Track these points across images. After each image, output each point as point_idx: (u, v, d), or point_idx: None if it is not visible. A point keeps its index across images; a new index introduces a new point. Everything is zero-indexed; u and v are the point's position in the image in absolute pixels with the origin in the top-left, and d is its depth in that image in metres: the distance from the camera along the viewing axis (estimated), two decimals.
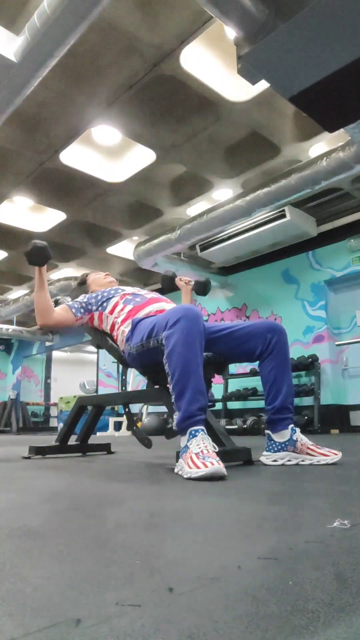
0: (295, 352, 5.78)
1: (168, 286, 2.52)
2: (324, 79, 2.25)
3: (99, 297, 2.20)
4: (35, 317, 2.12)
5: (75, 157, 4.42)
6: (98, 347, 2.31)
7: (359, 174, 4.10)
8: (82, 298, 2.25)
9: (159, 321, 1.72)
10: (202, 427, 1.47)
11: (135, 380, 6.44)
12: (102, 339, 2.21)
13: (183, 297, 2.48)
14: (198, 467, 1.30)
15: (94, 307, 2.19)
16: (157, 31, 2.99)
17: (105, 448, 2.59)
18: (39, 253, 2.01)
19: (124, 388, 2.34)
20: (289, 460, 1.70)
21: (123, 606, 0.41)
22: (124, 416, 4.71)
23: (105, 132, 4.12)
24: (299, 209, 5.45)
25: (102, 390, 8.86)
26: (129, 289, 2.22)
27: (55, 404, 10.11)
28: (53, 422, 11.13)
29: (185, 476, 1.34)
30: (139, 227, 5.93)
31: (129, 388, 3.26)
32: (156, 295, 2.18)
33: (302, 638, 0.35)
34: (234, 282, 7.05)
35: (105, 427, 7.09)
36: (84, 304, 2.20)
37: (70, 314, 2.15)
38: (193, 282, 2.49)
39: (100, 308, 2.18)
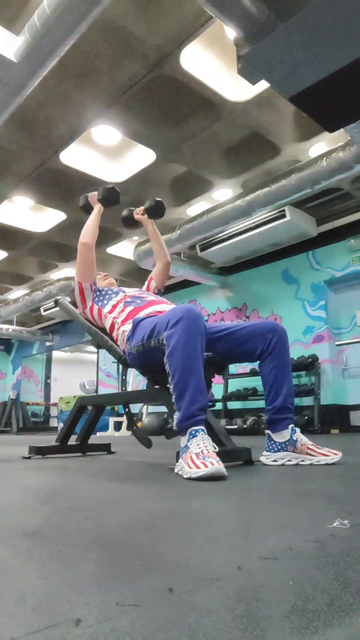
0: (295, 352, 5.78)
1: (129, 225, 2.54)
2: (323, 79, 2.25)
3: (102, 292, 2.23)
4: (82, 235, 2.25)
5: (75, 157, 4.42)
6: (98, 347, 2.30)
7: (359, 174, 4.10)
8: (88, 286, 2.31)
9: (159, 321, 1.72)
10: (202, 427, 1.47)
11: (135, 380, 6.44)
12: (102, 339, 2.21)
13: (146, 228, 2.53)
14: (198, 467, 1.30)
15: (96, 299, 2.21)
16: (157, 31, 2.99)
17: (105, 448, 2.59)
18: (113, 197, 2.28)
19: (124, 388, 2.34)
20: (289, 460, 1.70)
21: (123, 606, 0.41)
22: (124, 416, 4.71)
23: (105, 132, 4.12)
24: (299, 209, 5.45)
25: (102, 390, 8.86)
26: (129, 291, 2.23)
27: (55, 404, 10.11)
28: (53, 422, 11.12)
29: (185, 476, 1.34)
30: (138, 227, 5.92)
31: (129, 388, 3.26)
32: (157, 297, 2.19)
33: (302, 638, 0.35)
34: (234, 282, 7.05)
35: (105, 427, 7.09)
36: (91, 292, 2.27)
37: (94, 273, 2.28)
38: (144, 208, 2.49)
39: (100, 304, 2.18)
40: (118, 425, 7.12)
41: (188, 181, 4.88)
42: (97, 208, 2.33)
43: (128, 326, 1.97)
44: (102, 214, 2.34)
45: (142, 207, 2.52)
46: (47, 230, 5.82)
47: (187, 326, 1.55)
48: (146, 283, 2.49)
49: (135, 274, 7.67)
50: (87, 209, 2.37)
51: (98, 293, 2.23)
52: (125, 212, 2.52)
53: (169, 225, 5.57)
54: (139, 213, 2.51)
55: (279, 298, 6.37)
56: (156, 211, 2.47)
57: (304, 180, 4.11)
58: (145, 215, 2.49)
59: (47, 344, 10.78)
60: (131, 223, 2.51)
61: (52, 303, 7.63)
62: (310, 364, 5.63)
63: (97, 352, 9.01)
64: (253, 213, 4.66)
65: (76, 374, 10.93)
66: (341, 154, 3.82)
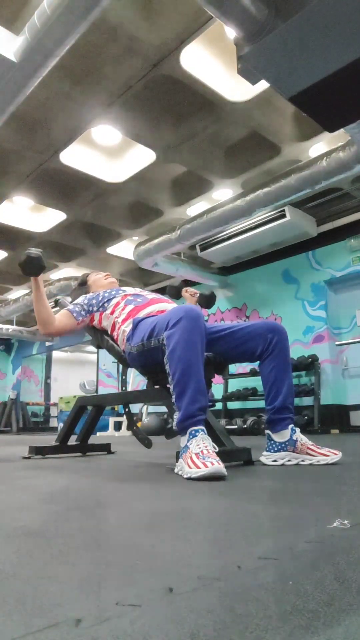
0: (295, 352, 5.78)
1: (174, 295, 2.53)
2: (324, 79, 2.25)
3: (100, 297, 2.20)
4: (38, 327, 2.12)
5: (75, 157, 4.42)
6: (98, 347, 2.31)
7: (359, 174, 4.10)
8: (82, 300, 2.24)
9: (160, 321, 1.72)
10: (202, 427, 1.47)
11: (135, 380, 6.44)
12: (102, 339, 2.21)
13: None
14: (198, 467, 1.30)
15: (95, 308, 2.19)
16: (157, 31, 2.99)
17: (105, 448, 2.59)
18: (34, 263, 1.96)
19: (124, 388, 2.34)
20: (289, 460, 1.70)
21: (123, 606, 0.41)
22: (124, 416, 4.71)
23: (105, 132, 4.12)
24: (299, 209, 5.45)
25: (102, 390, 8.86)
26: (130, 290, 2.22)
27: (55, 404, 10.11)
28: (53, 422, 11.12)
29: (185, 476, 1.34)
30: (139, 227, 5.93)
31: (129, 388, 3.26)
32: (157, 295, 2.18)
33: (302, 638, 0.35)
34: (234, 282, 7.05)
35: (105, 427, 7.09)
36: (84, 306, 2.20)
37: (71, 319, 2.16)
38: (198, 295, 2.50)
39: (101, 309, 2.17)
40: (118, 425, 7.12)
41: (188, 181, 4.88)
42: (33, 284, 2.03)
43: (128, 326, 1.97)
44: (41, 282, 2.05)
45: (194, 290, 2.54)
46: (47, 230, 5.82)
47: (187, 326, 1.55)
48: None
49: (135, 274, 7.67)
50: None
51: (95, 301, 2.20)
52: (176, 283, 2.50)
53: (169, 225, 5.57)
54: (188, 292, 2.52)
55: (279, 298, 6.37)
56: (208, 302, 2.49)
57: (304, 180, 4.11)
58: (195, 298, 2.49)
59: (47, 344, 10.78)
60: (176, 294, 2.51)
61: (53, 303, 7.64)
62: (310, 364, 5.63)
63: (97, 352, 9.01)
64: (253, 213, 4.66)
65: (76, 374, 10.94)
66: (341, 154, 3.82)
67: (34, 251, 1.98)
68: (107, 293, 2.21)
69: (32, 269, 1.98)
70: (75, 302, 2.25)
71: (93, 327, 2.25)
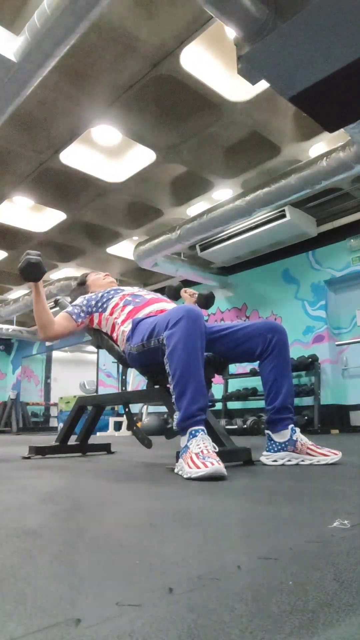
0: (295, 352, 5.78)
1: (173, 297, 2.53)
2: (323, 79, 2.25)
3: (99, 298, 2.20)
4: (38, 332, 2.11)
5: (75, 157, 4.42)
6: (98, 347, 2.31)
7: (359, 174, 4.10)
8: (80, 301, 2.24)
9: (160, 321, 1.72)
10: (202, 427, 1.47)
11: (135, 380, 6.44)
12: (102, 339, 2.22)
13: None
14: (198, 467, 1.30)
15: (94, 309, 2.19)
16: (157, 31, 2.99)
17: (105, 448, 2.59)
18: (34, 269, 1.93)
19: (124, 388, 2.34)
20: (289, 461, 1.70)
21: (123, 606, 0.41)
22: (124, 416, 4.71)
23: (105, 132, 4.12)
24: (299, 209, 5.45)
25: (102, 390, 8.86)
26: (128, 289, 2.22)
27: (55, 404, 10.10)
28: (53, 422, 11.12)
29: (185, 476, 1.34)
30: (139, 227, 5.93)
31: (129, 388, 3.26)
32: (156, 295, 2.18)
33: (302, 638, 0.35)
34: (234, 282, 7.05)
35: (105, 427, 7.09)
36: (83, 307, 2.20)
37: (71, 322, 2.16)
38: (197, 295, 2.50)
39: (100, 309, 2.17)
40: (118, 425, 7.12)
41: (188, 181, 4.88)
42: (33, 288, 2.02)
43: (128, 326, 1.97)
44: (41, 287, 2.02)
45: (193, 290, 2.54)
46: (47, 230, 5.81)
47: (187, 326, 1.55)
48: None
49: (135, 274, 7.67)
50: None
51: (94, 302, 2.20)
52: (174, 284, 2.51)
53: (169, 225, 5.57)
54: (187, 292, 2.52)
55: (279, 298, 6.37)
56: (206, 302, 2.49)
57: (304, 180, 4.11)
58: (193, 299, 2.49)
59: (47, 344, 10.77)
60: (175, 295, 2.51)
61: (52, 303, 7.63)
62: (310, 364, 5.63)
63: (97, 352, 9.01)
64: (253, 213, 4.66)
65: (76, 374, 10.93)
66: (341, 154, 3.82)
67: (34, 256, 1.93)
68: (107, 293, 2.21)
69: (31, 274, 1.94)
70: (74, 303, 2.24)
71: (93, 328, 2.25)
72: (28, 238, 6.09)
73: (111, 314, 2.12)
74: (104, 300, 2.18)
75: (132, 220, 5.77)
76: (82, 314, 2.18)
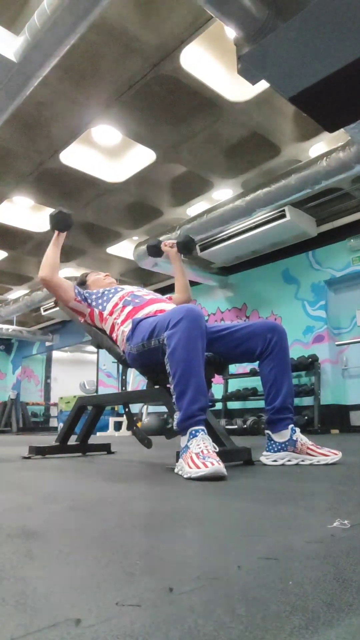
0: (295, 352, 5.78)
1: (155, 254, 2.53)
2: (323, 79, 2.25)
3: (100, 294, 2.22)
4: (40, 269, 2.17)
5: (75, 157, 4.42)
6: (98, 347, 2.31)
7: (359, 174, 4.10)
8: (80, 289, 2.30)
9: (160, 321, 1.72)
10: (203, 427, 1.47)
11: (135, 380, 6.44)
12: (102, 339, 2.21)
13: (173, 263, 2.51)
14: (198, 467, 1.30)
15: (93, 303, 2.21)
16: (157, 31, 2.99)
17: (105, 448, 2.59)
18: (64, 219, 2.17)
19: (124, 388, 2.34)
20: (289, 461, 1.70)
21: (123, 606, 0.41)
22: (124, 416, 4.71)
23: (105, 132, 4.12)
24: (299, 209, 5.45)
25: (102, 390, 8.86)
26: (127, 289, 2.22)
27: (55, 404, 10.11)
28: (53, 422, 11.12)
29: (185, 476, 1.34)
30: (139, 227, 5.93)
31: (129, 388, 3.26)
32: (155, 295, 2.18)
33: (302, 638, 0.35)
34: (234, 282, 7.05)
35: (105, 427, 7.09)
36: (84, 293, 2.25)
37: (70, 291, 2.21)
38: (176, 243, 2.48)
39: (99, 307, 2.18)
40: (118, 425, 7.12)
41: (188, 181, 4.88)
42: (55, 236, 2.22)
43: (127, 326, 1.97)
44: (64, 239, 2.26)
45: (171, 240, 2.52)
46: (47, 230, 5.81)
47: (188, 326, 1.55)
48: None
49: (135, 274, 7.67)
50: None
51: (95, 297, 2.22)
52: (153, 242, 2.52)
53: (169, 225, 5.57)
54: (167, 245, 2.50)
55: (279, 298, 6.37)
56: (186, 246, 2.47)
57: (304, 180, 4.11)
58: (175, 249, 2.47)
59: (47, 344, 10.78)
60: (157, 253, 2.51)
61: (52, 303, 7.63)
62: (310, 364, 5.63)
63: (97, 352, 9.00)
64: (253, 213, 4.66)
65: (76, 374, 10.92)
66: (341, 154, 3.82)
67: (66, 209, 2.17)
68: (106, 291, 2.22)
69: (60, 223, 2.17)
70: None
71: (94, 325, 2.25)
72: (28, 238, 6.09)
73: (111, 314, 2.12)
74: (104, 297, 2.18)
75: (132, 220, 5.77)
76: (81, 296, 2.23)
